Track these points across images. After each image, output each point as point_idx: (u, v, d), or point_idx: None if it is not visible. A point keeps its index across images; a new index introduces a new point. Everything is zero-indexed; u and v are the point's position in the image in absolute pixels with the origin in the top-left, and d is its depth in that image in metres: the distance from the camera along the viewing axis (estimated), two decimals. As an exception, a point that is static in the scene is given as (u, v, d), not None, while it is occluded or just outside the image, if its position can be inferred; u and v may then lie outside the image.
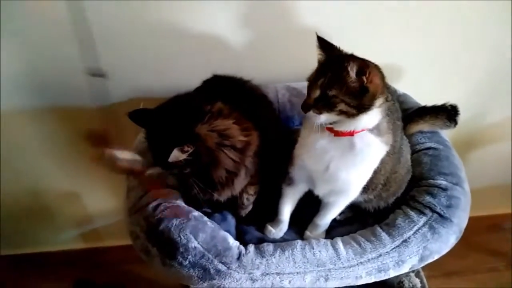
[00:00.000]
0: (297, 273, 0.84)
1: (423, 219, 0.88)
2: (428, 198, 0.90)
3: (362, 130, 0.78)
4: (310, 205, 0.99)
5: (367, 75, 0.72)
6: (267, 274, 0.83)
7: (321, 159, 0.83)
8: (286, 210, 0.97)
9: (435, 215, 0.88)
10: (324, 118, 0.76)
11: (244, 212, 1.00)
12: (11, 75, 1.15)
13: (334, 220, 0.98)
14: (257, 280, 0.83)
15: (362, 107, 0.74)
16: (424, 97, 1.10)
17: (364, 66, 0.72)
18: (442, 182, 0.92)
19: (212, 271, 0.82)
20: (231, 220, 1.00)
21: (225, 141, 0.81)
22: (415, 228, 0.88)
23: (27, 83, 1.19)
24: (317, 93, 0.76)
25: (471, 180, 1.02)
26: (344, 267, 0.85)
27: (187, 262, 0.82)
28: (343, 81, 0.73)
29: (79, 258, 1.72)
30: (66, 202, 1.56)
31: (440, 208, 0.88)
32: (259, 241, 0.92)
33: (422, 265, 0.89)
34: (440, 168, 0.95)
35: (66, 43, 1.08)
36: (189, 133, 0.77)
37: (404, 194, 0.96)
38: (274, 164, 0.95)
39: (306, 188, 0.95)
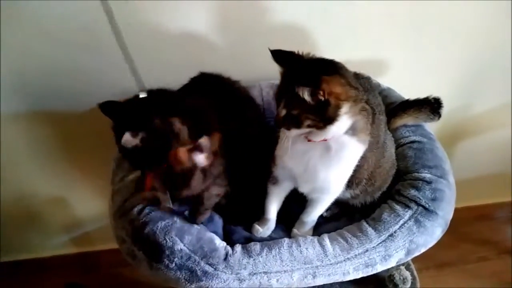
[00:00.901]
0: (285, 271, 0.84)
1: (408, 213, 0.88)
2: (413, 192, 0.90)
3: None
4: (296, 202, 0.99)
5: (322, 93, 0.70)
6: (255, 273, 0.83)
7: (300, 160, 0.84)
8: (273, 208, 0.97)
9: (420, 208, 0.88)
10: (294, 132, 0.77)
11: (201, 218, 0.94)
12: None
13: (321, 217, 0.98)
14: (244, 280, 0.83)
15: (328, 120, 0.73)
16: (408, 91, 1.10)
17: (316, 85, 0.70)
18: (426, 175, 0.92)
19: (199, 272, 0.82)
20: (218, 221, 1.00)
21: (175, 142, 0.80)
22: (401, 222, 0.88)
23: (12, 87, 1.17)
24: (283, 112, 0.76)
25: (458, 171, 1.03)
26: (331, 264, 0.85)
27: (173, 264, 0.82)
28: (301, 101, 0.72)
29: (71, 263, 1.72)
30: (55, 207, 1.54)
31: (425, 201, 0.89)
32: (247, 241, 0.92)
33: (409, 258, 0.89)
34: (425, 161, 0.96)
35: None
36: (146, 123, 0.77)
37: (390, 188, 0.97)
38: (259, 163, 0.94)
39: (291, 186, 0.94)
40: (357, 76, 0.97)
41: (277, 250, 0.86)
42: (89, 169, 1.44)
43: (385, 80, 1.17)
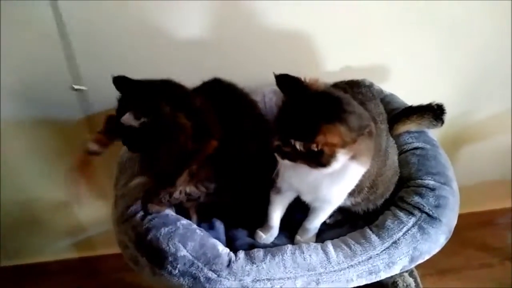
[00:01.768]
0: (288, 278, 0.84)
1: (412, 220, 0.88)
2: (416, 199, 0.90)
3: None
4: (299, 210, 0.99)
5: (315, 145, 0.69)
6: (258, 280, 0.83)
7: (301, 178, 0.84)
8: (276, 216, 0.97)
9: (423, 215, 0.88)
10: (288, 163, 0.77)
11: (155, 209, 0.91)
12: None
13: (324, 224, 0.98)
14: (248, 287, 0.83)
15: (321, 165, 0.73)
16: (411, 97, 1.10)
17: (309, 138, 0.68)
18: (430, 182, 0.92)
19: (202, 279, 0.82)
20: (220, 227, 0.99)
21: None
22: (405, 229, 0.88)
23: (16, 94, 1.18)
24: (276, 142, 0.75)
25: (462, 177, 1.03)
26: (334, 271, 0.85)
27: (176, 271, 0.82)
28: (293, 147, 0.71)
29: (74, 267, 1.71)
30: (58, 211, 1.54)
31: (428, 208, 0.88)
32: (250, 247, 0.92)
33: (413, 265, 0.89)
34: (428, 168, 0.96)
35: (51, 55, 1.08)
36: (151, 105, 0.78)
37: (393, 195, 0.96)
38: (261, 171, 0.95)
39: (294, 195, 0.94)
40: (358, 84, 0.98)
41: (281, 256, 0.85)
42: (91, 174, 1.45)
43: (387, 87, 1.17)
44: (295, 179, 0.85)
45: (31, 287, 1.69)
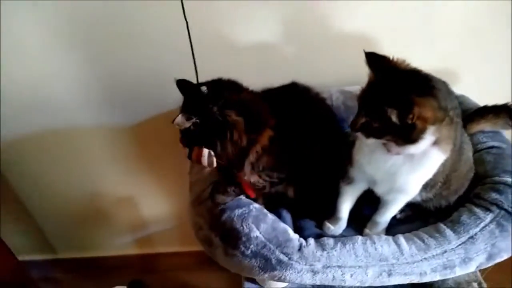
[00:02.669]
0: (359, 266, 0.84)
1: (489, 216, 0.86)
2: (494, 195, 0.88)
3: None
4: (368, 204, 0.99)
5: (411, 117, 0.69)
6: (329, 266, 0.83)
7: (379, 166, 0.84)
8: (345, 208, 0.97)
9: (502, 211, 0.85)
10: (371, 141, 0.78)
11: (221, 198, 0.95)
12: (83, 88, 1.25)
13: (394, 218, 0.97)
14: (318, 273, 0.84)
15: (410, 141, 0.73)
16: (481, 100, 1.08)
17: (407, 108, 0.68)
18: (508, 179, 0.90)
19: (273, 261, 0.83)
20: (286, 216, 1.00)
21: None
22: (482, 225, 0.85)
23: (93, 97, 1.28)
24: (362, 119, 0.76)
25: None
26: (407, 263, 0.84)
27: (249, 251, 0.84)
28: (385, 118, 0.71)
29: (132, 263, 1.78)
30: (122, 207, 1.63)
31: (507, 205, 0.86)
32: (318, 237, 0.93)
33: (491, 264, 0.86)
34: (505, 166, 0.93)
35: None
36: (200, 106, 0.83)
37: (467, 193, 0.94)
38: (329, 164, 0.96)
39: (365, 186, 0.94)
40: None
41: (351, 245, 0.86)
42: (158, 172, 1.52)
43: (455, 89, 1.16)
44: (371, 166, 0.85)
45: (89, 280, 1.76)
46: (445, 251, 0.84)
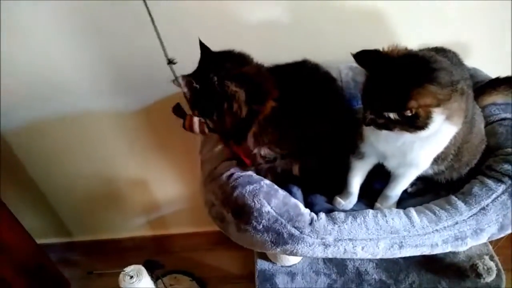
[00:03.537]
0: (370, 239, 0.84)
1: (501, 187, 0.85)
2: (506, 166, 0.87)
3: None
4: (378, 179, 0.99)
5: (410, 111, 0.69)
6: (340, 240, 0.84)
7: (389, 141, 0.84)
8: (356, 182, 0.97)
9: (515, 182, 0.85)
10: (385, 133, 0.78)
11: (254, 168, 0.99)
12: (92, 73, 1.26)
13: (405, 192, 0.97)
14: (330, 246, 0.85)
15: (419, 128, 0.73)
16: (494, 73, 1.06)
17: (402, 106, 0.68)
18: (520, 150, 0.89)
19: (285, 235, 0.85)
20: (297, 192, 1.00)
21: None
22: (494, 196, 0.85)
23: (102, 82, 1.28)
24: (369, 115, 0.77)
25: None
26: (419, 234, 0.84)
27: (261, 226, 0.85)
28: (387, 114, 0.72)
29: (145, 245, 1.82)
30: (135, 189, 1.65)
31: (520, 176, 0.85)
32: (329, 212, 0.93)
33: (502, 235, 0.86)
34: (518, 138, 0.92)
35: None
36: (202, 74, 0.87)
37: (479, 165, 0.94)
38: (339, 140, 0.97)
39: (376, 160, 0.94)
40: (444, 50, 0.97)
41: (362, 218, 0.86)
42: (170, 153, 1.54)
43: (468, 63, 1.14)
44: (381, 144, 0.85)
45: (102, 263, 1.78)
46: (457, 223, 0.84)
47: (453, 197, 0.88)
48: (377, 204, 0.97)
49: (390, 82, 0.73)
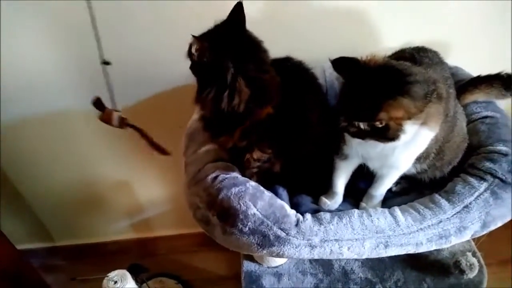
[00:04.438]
0: (356, 239, 0.84)
1: (484, 185, 0.86)
2: (488, 164, 0.88)
3: None
4: (363, 178, 0.99)
5: (380, 122, 0.69)
6: (326, 240, 0.84)
7: (368, 146, 0.84)
8: (340, 182, 0.98)
9: (496, 180, 0.86)
10: (358, 140, 0.79)
11: (248, 173, 0.99)
12: (60, 71, 1.22)
13: (389, 191, 0.98)
14: (316, 247, 0.84)
15: (390, 139, 0.74)
16: (475, 71, 1.08)
17: (372, 115, 0.69)
18: (502, 148, 0.90)
19: (271, 237, 0.84)
20: (282, 193, 1.00)
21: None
22: (476, 194, 0.86)
23: (76, 79, 1.25)
24: (343, 122, 0.77)
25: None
26: (404, 234, 0.85)
27: (247, 229, 0.84)
28: (357, 123, 0.73)
29: (130, 248, 1.79)
30: (118, 192, 1.63)
31: (501, 173, 0.86)
32: (315, 213, 0.93)
33: (485, 232, 0.87)
34: (499, 135, 0.93)
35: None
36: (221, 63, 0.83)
37: (462, 163, 0.95)
38: (323, 139, 0.96)
39: (359, 161, 0.95)
40: (425, 50, 0.98)
41: (348, 219, 0.86)
42: (153, 155, 1.50)
43: (450, 61, 1.15)
44: (362, 147, 0.86)
45: (88, 266, 1.75)
46: (441, 221, 0.85)
47: (437, 195, 0.89)
48: (362, 204, 0.98)
49: (363, 91, 0.73)
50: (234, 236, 0.85)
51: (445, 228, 0.85)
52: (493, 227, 0.87)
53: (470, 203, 0.85)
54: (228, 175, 0.92)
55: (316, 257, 0.86)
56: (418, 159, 0.88)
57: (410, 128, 0.74)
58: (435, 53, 0.97)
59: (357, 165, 0.96)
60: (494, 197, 0.85)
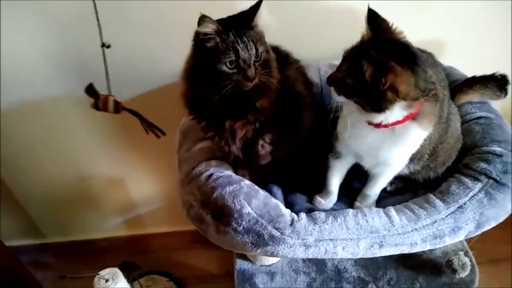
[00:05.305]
0: (351, 239, 0.84)
1: (478, 185, 0.87)
2: (482, 165, 0.89)
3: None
4: (357, 178, 0.99)
5: (384, 82, 0.68)
6: (321, 240, 0.84)
7: (361, 140, 0.84)
8: (335, 181, 0.97)
9: (491, 181, 0.87)
10: (341, 99, 0.78)
11: (264, 161, 0.98)
12: (50, 60, 1.20)
13: (384, 191, 0.98)
14: (310, 247, 0.84)
15: (376, 108, 0.73)
16: (470, 71, 1.08)
17: (383, 71, 0.68)
18: (496, 148, 0.91)
19: (266, 236, 0.83)
20: (277, 192, 1.00)
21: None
22: (471, 194, 0.86)
23: (67, 68, 1.22)
24: (340, 74, 0.76)
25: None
26: (398, 234, 0.84)
27: (241, 228, 0.83)
28: (361, 76, 0.70)
29: (122, 245, 1.77)
30: (110, 188, 1.61)
31: (496, 174, 0.87)
32: (309, 212, 0.93)
33: (479, 232, 0.87)
34: (493, 136, 0.94)
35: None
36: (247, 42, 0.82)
37: (456, 163, 0.95)
38: (318, 137, 0.96)
39: (353, 160, 0.95)
40: (420, 51, 0.97)
41: (343, 218, 0.86)
42: (146, 152, 1.50)
43: (444, 61, 1.15)
44: (354, 141, 0.86)
45: (77, 264, 1.73)
46: (435, 221, 0.85)
47: (431, 195, 0.89)
48: (357, 203, 0.98)
49: (382, 49, 0.72)
50: (228, 235, 0.85)
51: (440, 228, 0.85)
52: (487, 228, 0.87)
53: (464, 204, 0.86)
54: (222, 174, 0.91)
55: (310, 256, 0.86)
56: (412, 160, 0.88)
57: (397, 110, 0.74)
58: (429, 55, 0.97)
59: (351, 164, 0.96)
60: (488, 197, 0.85)
